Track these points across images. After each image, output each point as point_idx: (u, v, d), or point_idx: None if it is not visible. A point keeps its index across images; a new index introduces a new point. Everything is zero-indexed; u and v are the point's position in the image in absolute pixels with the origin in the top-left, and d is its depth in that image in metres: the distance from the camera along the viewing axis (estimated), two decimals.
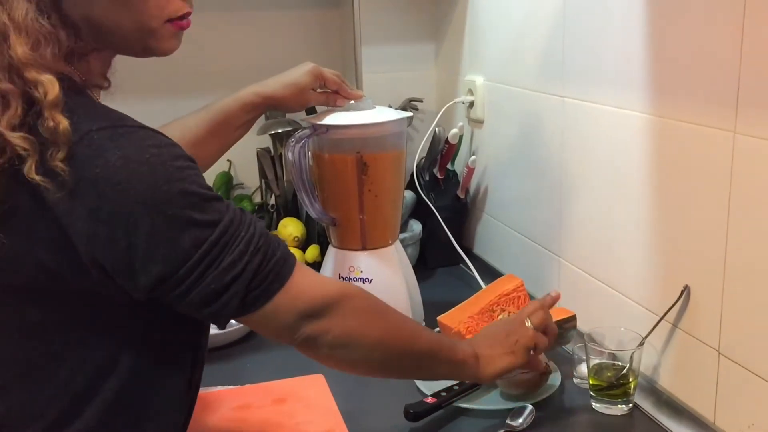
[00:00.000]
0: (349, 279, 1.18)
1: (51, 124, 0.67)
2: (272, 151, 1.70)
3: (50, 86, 0.69)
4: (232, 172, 1.75)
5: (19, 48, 0.69)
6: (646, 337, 1.02)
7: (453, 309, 1.17)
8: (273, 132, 1.63)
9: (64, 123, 0.68)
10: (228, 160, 1.73)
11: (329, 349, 0.81)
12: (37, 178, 0.67)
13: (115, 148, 0.69)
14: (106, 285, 0.72)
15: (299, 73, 1.13)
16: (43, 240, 0.70)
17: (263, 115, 1.65)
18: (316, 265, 1.40)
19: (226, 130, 1.11)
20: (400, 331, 0.87)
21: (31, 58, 0.69)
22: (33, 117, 0.69)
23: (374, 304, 0.86)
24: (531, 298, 1.23)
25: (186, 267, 0.71)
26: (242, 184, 1.78)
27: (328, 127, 1.14)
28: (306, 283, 0.78)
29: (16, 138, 0.67)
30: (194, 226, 0.71)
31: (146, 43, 0.79)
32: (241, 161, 1.73)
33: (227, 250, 0.73)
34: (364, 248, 1.20)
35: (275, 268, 0.76)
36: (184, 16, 0.80)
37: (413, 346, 0.87)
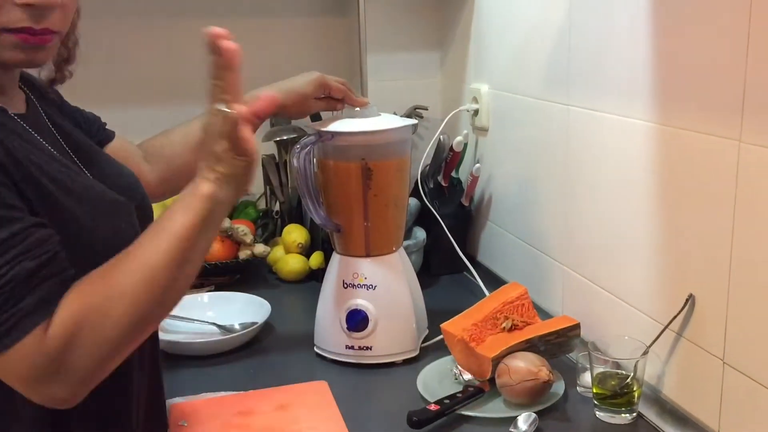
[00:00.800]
0: (353, 285, 1.19)
1: None
2: (277, 158, 1.71)
3: None
4: None
5: None
6: (650, 345, 1.01)
7: (457, 316, 1.17)
8: (278, 139, 1.63)
9: None
10: None
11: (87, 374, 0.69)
12: None
13: None
14: None
15: (303, 81, 1.13)
16: None
17: (268, 122, 1.67)
18: (321, 272, 1.40)
19: None
20: (136, 289, 0.69)
21: None
22: None
23: (98, 309, 0.69)
24: (535, 306, 1.23)
25: None
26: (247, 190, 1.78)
27: (333, 134, 1.14)
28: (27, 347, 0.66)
29: None
30: None
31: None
32: None
33: None
34: (368, 255, 1.20)
35: (11, 320, 0.65)
36: (26, 30, 0.74)
37: (161, 277, 0.70)
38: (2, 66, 0.77)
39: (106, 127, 1.06)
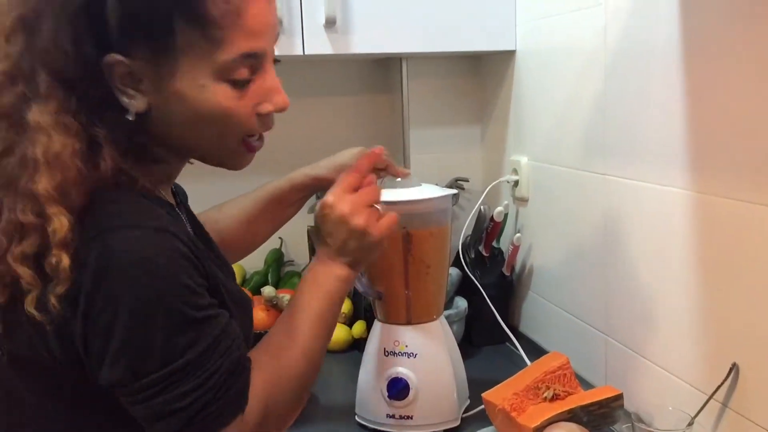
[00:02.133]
0: (394, 353, 1.19)
1: (54, 261, 0.69)
2: None
3: (59, 225, 0.69)
4: (283, 250, 1.80)
5: (45, 182, 0.70)
6: (695, 416, 0.99)
7: (498, 385, 1.17)
8: None
9: (65, 262, 0.68)
10: (279, 238, 1.79)
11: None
12: (36, 314, 0.69)
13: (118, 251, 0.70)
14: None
15: (348, 155, 1.18)
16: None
17: (314, 195, 1.73)
18: (363, 341, 1.41)
19: (278, 210, 1.16)
20: (301, 367, 0.83)
21: (53, 195, 0.70)
22: (42, 249, 0.70)
23: (281, 383, 0.82)
24: (577, 376, 1.21)
25: (141, 383, 0.71)
26: (293, 261, 1.82)
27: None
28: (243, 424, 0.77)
29: (25, 272, 0.69)
30: (167, 343, 0.71)
31: (221, 159, 0.83)
32: (292, 239, 1.78)
33: (185, 379, 0.72)
34: (409, 323, 1.21)
35: (222, 408, 0.75)
36: (258, 137, 0.83)
37: (318, 346, 0.85)
38: (222, 167, 0.85)
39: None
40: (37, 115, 0.72)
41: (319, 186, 1.18)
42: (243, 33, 0.75)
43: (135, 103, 0.75)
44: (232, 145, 0.81)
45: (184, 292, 0.73)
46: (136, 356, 0.71)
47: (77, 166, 0.72)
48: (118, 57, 0.73)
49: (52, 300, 0.68)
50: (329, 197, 0.92)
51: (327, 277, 0.89)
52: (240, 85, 0.77)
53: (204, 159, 0.84)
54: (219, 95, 0.76)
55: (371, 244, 0.91)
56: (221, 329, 0.75)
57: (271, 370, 0.81)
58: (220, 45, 0.74)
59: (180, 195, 0.98)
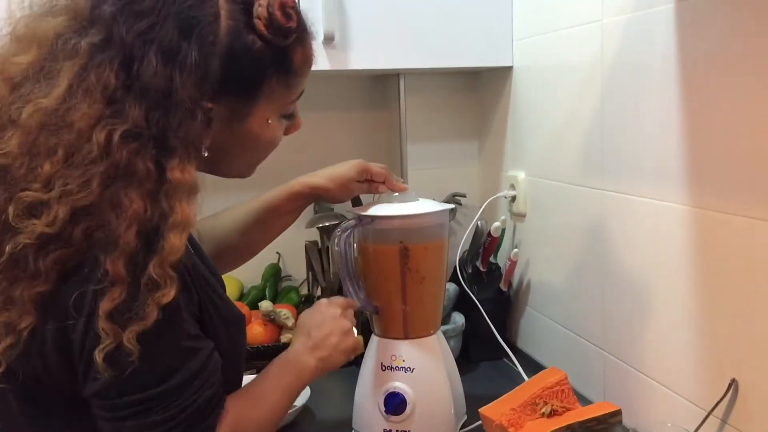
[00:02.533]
0: (391, 368, 1.19)
1: (150, 313, 0.72)
2: (320, 244, 1.74)
3: (171, 287, 0.73)
4: (281, 265, 1.80)
5: (178, 242, 0.73)
6: None
7: (495, 401, 1.16)
8: (321, 225, 1.68)
9: (155, 314, 0.72)
10: (277, 253, 1.79)
11: None
12: (102, 364, 0.71)
13: None
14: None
15: (346, 167, 1.19)
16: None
17: (312, 209, 1.73)
18: (360, 356, 1.40)
19: (275, 218, 1.17)
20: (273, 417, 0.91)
21: (180, 253, 0.73)
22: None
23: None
24: (575, 392, 1.21)
25: (120, 401, 0.74)
26: (290, 276, 1.82)
27: (373, 218, 1.18)
28: None
29: (107, 326, 0.71)
30: (150, 366, 0.74)
31: (241, 173, 0.91)
32: (290, 254, 1.78)
33: (159, 408, 0.76)
34: (406, 337, 1.21)
35: None
36: None
37: (280, 412, 0.93)
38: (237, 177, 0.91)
39: None
40: (180, 173, 0.74)
41: (316, 195, 1.19)
42: (305, 77, 0.87)
43: (204, 141, 0.79)
44: (259, 163, 0.90)
45: (177, 320, 0.76)
46: (122, 373, 0.73)
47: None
48: (209, 105, 0.77)
49: (132, 342, 0.71)
50: (325, 300, 1.07)
51: (300, 364, 0.98)
52: (291, 118, 0.90)
53: (221, 174, 0.89)
54: (278, 129, 0.88)
55: (345, 348, 1.02)
56: (202, 364, 0.79)
57: (239, 416, 0.84)
58: (293, 89, 0.86)
59: None
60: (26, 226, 0.70)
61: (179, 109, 0.74)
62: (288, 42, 0.81)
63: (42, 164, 0.71)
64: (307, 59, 0.86)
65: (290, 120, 0.90)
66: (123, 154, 0.72)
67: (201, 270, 0.85)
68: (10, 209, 0.70)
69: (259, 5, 0.79)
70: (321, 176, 1.18)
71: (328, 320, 1.03)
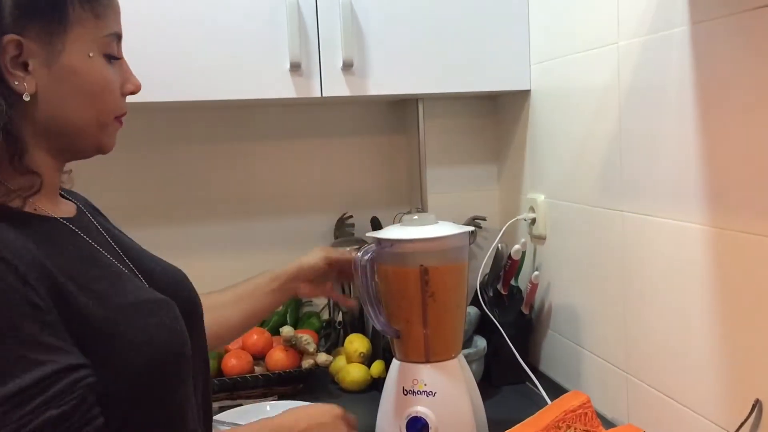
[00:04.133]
0: (413, 392, 1.19)
1: None
2: None
3: None
4: None
5: None
6: None
7: (518, 425, 1.15)
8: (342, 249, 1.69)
9: None
10: None
11: None
12: None
13: None
14: None
15: (310, 256, 1.25)
16: None
17: (332, 235, 1.74)
18: (382, 381, 1.40)
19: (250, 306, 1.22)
20: None
21: None
22: None
23: None
24: (599, 415, 1.20)
25: None
26: (311, 301, 1.83)
27: (393, 242, 1.18)
28: None
29: None
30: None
31: (99, 140, 0.84)
32: None
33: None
34: (427, 361, 1.20)
35: None
36: (123, 115, 0.87)
37: None
38: (96, 153, 0.86)
39: None
40: None
41: (294, 280, 1.24)
42: (113, 11, 0.83)
43: (26, 85, 0.76)
44: (108, 120, 0.84)
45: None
46: None
47: None
48: (13, 36, 0.74)
49: None
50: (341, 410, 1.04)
51: None
52: (112, 60, 0.83)
53: (79, 146, 0.84)
54: (102, 67, 0.82)
55: None
56: (33, 381, 0.66)
57: None
58: (102, 20, 0.81)
59: (86, 202, 0.96)
60: None
61: None
62: None
63: None
64: None
65: (114, 63, 0.83)
66: None
67: (64, 249, 0.78)
68: None
69: None
70: (289, 268, 1.24)
71: (331, 421, 1.01)
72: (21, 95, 0.76)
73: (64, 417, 0.67)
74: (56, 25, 0.77)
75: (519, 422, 1.16)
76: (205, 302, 1.00)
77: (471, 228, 1.25)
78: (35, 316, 0.68)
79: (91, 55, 0.80)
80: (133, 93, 0.87)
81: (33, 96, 0.77)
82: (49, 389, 0.67)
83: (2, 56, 0.75)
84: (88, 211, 0.92)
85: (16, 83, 0.76)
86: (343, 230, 1.76)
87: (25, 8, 0.75)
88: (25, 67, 0.76)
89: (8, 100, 0.75)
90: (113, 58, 0.83)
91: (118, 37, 0.84)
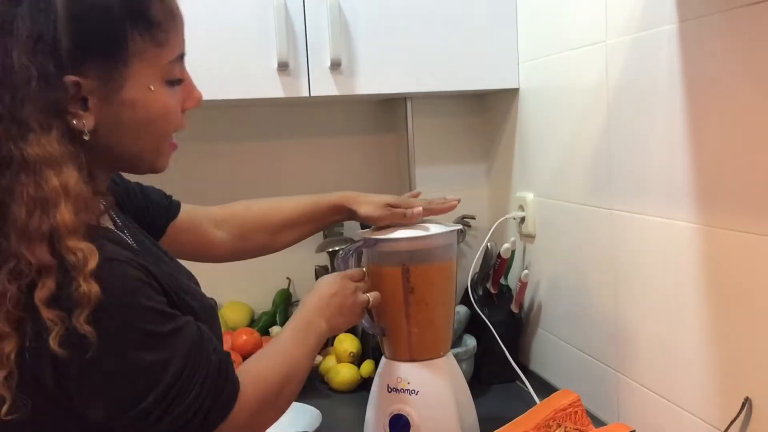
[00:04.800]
0: (396, 390, 1.18)
1: (85, 290, 0.69)
2: (329, 268, 1.75)
3: (91, 256, 0.70)
4: (291, 290, 1.80)
5: (67, 215, 0.70)
6: None
7: (508, 424, 1.15)
8: (330, 250, 1.68)
9: (96, 289, 0.69)
10: (287, 278, 1.79)
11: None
12: (60, 351, 0.68)
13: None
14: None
15: (388, 196, 1.23)
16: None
17: (322, 234, 1.74)
18: (371, 380, 1.40)
19: (312, 225, 1.24)
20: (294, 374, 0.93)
21: (76, 224, 0.70)
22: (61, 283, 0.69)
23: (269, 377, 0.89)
24: (589, 413, 1.20)
25: (135, 412, 0.73)
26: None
27: (376, 241, 1.18)
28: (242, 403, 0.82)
29: (52, 314, 0.68)
30: (145, 370, 0.73)
31: (154, 163, 0.84)
32: (300, 279, 1.79)
33: (181, 393, 0.75)
34: (412, 359, 1.20)
35: (222, 404, 0.79)
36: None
37: (302, 373, 0.95)
38: (149, 172, 0.85)
39: (172, 198, 1.15)
40: (40, 147, 0.70)
41: (351, 217, 1.23)
42: (176, 34, 0.80)
43: (85, 122, 0.75)
44: (165, 145, 0.83)
45: (148, 314, 0.74)
46: (121, 389, 0.72)
47: (88, 194, 0.73)
48: (72, 78, 0.73)
49: (85, 326, 0.68)
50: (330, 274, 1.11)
51: (310, 320, 1.02)
52: (176, 84, 0.81)
53: (134, 168, 0.85)
54: (165, 96, 0.80)
55: (351, 305, 1.07)
56: (193, 336, 0.78)
57: (255, 371, 0.87)
58: (165, 47, 0.78)
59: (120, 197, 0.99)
60: None
61: (22, 81, 0.70)
62: None
63: None
64: (169, 10, 0.79)
65: (177, 86, 0.82)
66: None
67: (155, 261, 0.82)
68: None
69: None
70: (359, 199, 1.22)
71: (334, 279, 1.08)
72: (81, 133, 0.75)
73: (222, 362, 0.81)
74: (115, 61, 0.75)
75: (509, 421, 1.16)
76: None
77: (456, 227, 1.24)
78: (157, 296, 0.76)
79: (152, 87, 0.78)
80: (194, 107, 0.85)
81: (92, 131, 0.76)
82: (204, 338, 0.80)
83: (61, 96, 0.73)
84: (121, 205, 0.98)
85: (75, 122, 0.74)
86: (332, 229, 1.75)
87: (83, 47, 0.73)
88: (84, 104, 0.75)
89: (70, 138, 0.74)
90: (176, 81, 0.81)
91: (182, 56, 0.82)
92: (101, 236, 0.75)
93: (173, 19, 0.79)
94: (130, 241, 0.85)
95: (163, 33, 0.77)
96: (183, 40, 0.81)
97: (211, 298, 0.95)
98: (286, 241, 1.24)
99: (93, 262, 0.69)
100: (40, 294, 0.68)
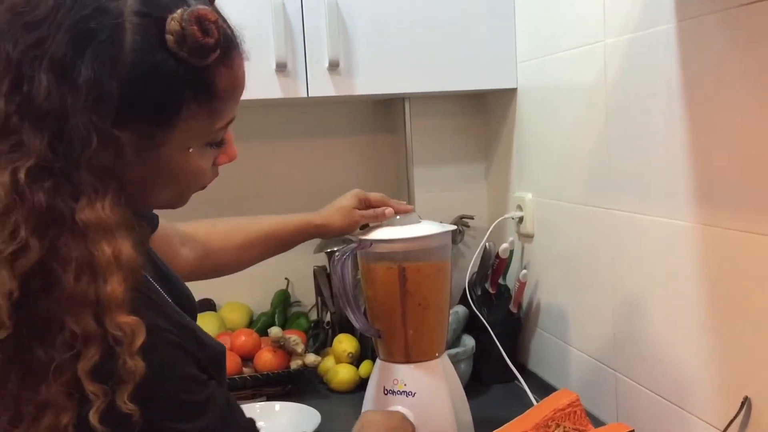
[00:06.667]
0: (393, 392, 1.18)
1: (131, 366, 0.65)
2: (328, 269, 1.75)
3: (138, 332, 0.66)
4: (290, 290, 1.80)
5: (117, 287, 0.65)
6: None
7: (507, 424, 1.15)
8: (328, 250, 1.68)
9: (141, 365, 0.66)
10: (286, 279, 1.79)
11: None
12: (99, 427, 0.65)
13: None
14: None
15: (344, 197, 1.23)
16: None
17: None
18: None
19: (274, 246, 1.21)
20: None
21: (125, 297, 0.66)
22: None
23: None
24: (588, 413, 1.20)
25: None
26: (299, 302, 1.82)
27: (372, 242, 1.18)
28: None
29: (94, 387, 0.65)
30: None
31: (172, 207, 0.81)
32: (298, 279, 1.79)
33: None
34: (408, 361, 1.19)
35: None
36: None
37: None
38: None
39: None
40: (93, 213, 0.66)
41: (320, 234, 1.23)
42: (234, 103, 0.76)
43: None
44: (188, 196, 0.81)
45: (186, 384, 0.73)
46: None
47: (138, 261, 0.68)
48: (117, 133, 0.68)
49: (129, 405, 0.65)
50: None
51: None
52: (219, 145, 0.78)
53: (144, 208, 0.83)
54: (202, 158, 0.76)
55: None
56: (221, 407, 0.76)
57: None
58: (218, 116, 0.75)
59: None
60: None
61: (78, 137, 0.65)
62: (207, 62, 0.70)
63: None
64: (235, 82, 0.74)
65: (219, 148, 0.79)
66: (40, 196, 0.64)
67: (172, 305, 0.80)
68: None
69: (172, 19, 0.67)
70: (324, 216, 1.21)
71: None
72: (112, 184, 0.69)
73: (250, 424, 0.82)
74: (163, 123, 0.70)
75: (508, 421, 1.16)
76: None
77: (451, 227, 1.24)
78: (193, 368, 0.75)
79: (191, 150, 0.74)
80: (226, 163, 0.82)
81: None
82: (229, 409, 0.78)
83: (114, 156, 0.68)
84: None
85: None
86: (329, 237, 1.75)
87: (138, 107, 0.68)
88: (119, 154, 0.70)
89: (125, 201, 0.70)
90: (218, 144, 0.78)
91: (231, 120, 0.78)
92: (140, 300, 0.70)
93: (234, 89, 0.75)
94: (157, 286, 0.80)
95: (220, 103, 0.74)
96: (236, 106, 0.78)
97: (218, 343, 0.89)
98: (250, 260, 1.20)
99: (140, 340, 0.66)
100: (84, 365, 0.64)
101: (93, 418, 0.64)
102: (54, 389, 0.65)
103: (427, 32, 1.52)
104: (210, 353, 0.79)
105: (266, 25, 1.42)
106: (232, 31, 0.75)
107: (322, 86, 1.47)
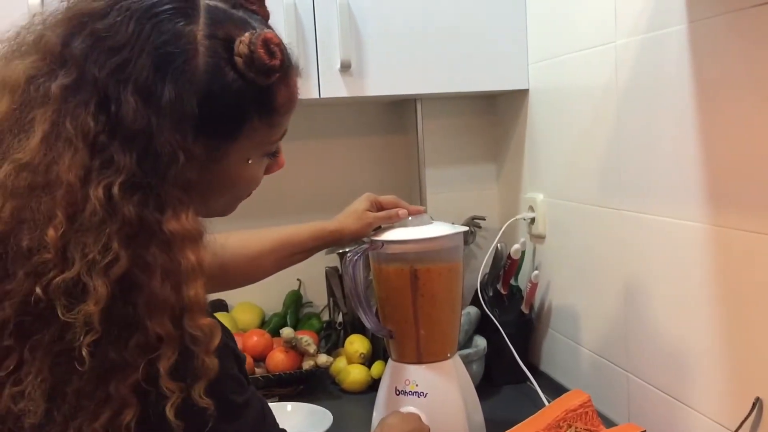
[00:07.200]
0: (405, 393, 1.18)
1: (208, 364, 0.69)
2: (340, 269, 1.75)
3: (216, 332, 0.70)
4: (302, 291, 1.81)
5: (201, 292, 0.69)
6: None
7: (519, 425, 1.15)
8: (340, 251, 1.69)
9: (215, 363, 0.69)
10: (298, 279, 1.80)
11: None
12: (176, 421, 0.67)
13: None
14: None
15: (356, 202, 1.24)
16: None
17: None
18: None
19: (290, 254, 1.21)
20: None
21: (206, 301, 0.70)
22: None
23: None
24: (600, 414, 1.20)
25: None
26: (311, 302, 1.83)
27: (383, 243, 1.19)
28: None
29: (171, 384, 0.67)
30: None
31: (222, 215, 0.84)
32: (311, 280, 1.79)
33: None
34: (420, 361, 1.20)
35: None
36: None
37: None
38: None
39: None
40: (179, 224, 0.69)
41: (335, 240, 1.23)
42: (290, 115, 0.81)
43: None
44: (238, 203, 0.85)
45: (234, 384, 0.76)
46: None
47: (215, 267, 0.74)
48: (193, 148, 0.72)
49: (205, 399, 0.68)
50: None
51: None
52: (273, 155, 0.84)
53: (205, 217, 0.83)
54: (259, 169, 0.82)
55: None
56: (256, 411, 0.78)
57: None
58: (276, 128, 0.80)
59: None
60: (78, 313, 0.65)
61: (163, 153, 0.69)
62: (271, 81, 0.75)
63: (46, 231, 0.66)
64: (292, 98, 0.80)
65: (272, 158, 0.84)
66: (130, 209, 0.67)
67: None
68: (56, 303, 0.65)
69: (241, 42, 0.73)
70: (338, 221, 1.21)
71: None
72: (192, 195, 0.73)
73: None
74: (227, 138, 0.75)
75: (520, 422, 1.16)
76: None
77: (463, 228, 1.24)
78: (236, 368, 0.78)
79: (250, 162, 0.79)
80: (275, 171, 0.87)
81: None
82: (266, 411, 0.82)
83: (194, 170, 0.72)
84: None
85: None
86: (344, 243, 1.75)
87: (206, 123, 0.72)
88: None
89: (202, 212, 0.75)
90: (273, 154, 0.83)
91: (285, 133, 0.82)
92: None
93: (291, 104, 0.80)
94: None
95: (279, 117, 0.79)
96: (290, 118, 0.82)
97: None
98: (265, 270, 1.22)
99: (217, 339, 0.70)
100: (164, 364, 0.67)
101: (169, 412, 0.67)
102: (122, 387, 0.67)
103: (439, 33, 1.52)
104: (242, 357, 0.82)
105: (278, 26, 1.40)
106: (290, 51, 0.79)
107: (334, 87, 1.48)
